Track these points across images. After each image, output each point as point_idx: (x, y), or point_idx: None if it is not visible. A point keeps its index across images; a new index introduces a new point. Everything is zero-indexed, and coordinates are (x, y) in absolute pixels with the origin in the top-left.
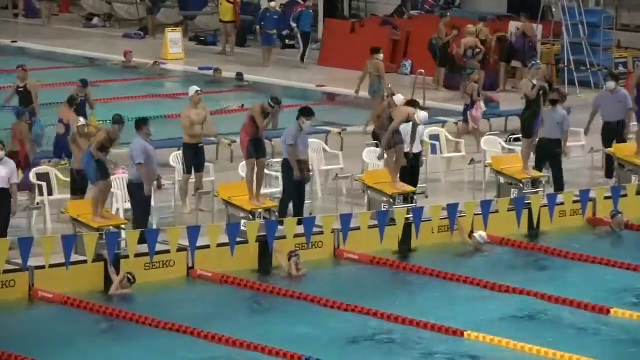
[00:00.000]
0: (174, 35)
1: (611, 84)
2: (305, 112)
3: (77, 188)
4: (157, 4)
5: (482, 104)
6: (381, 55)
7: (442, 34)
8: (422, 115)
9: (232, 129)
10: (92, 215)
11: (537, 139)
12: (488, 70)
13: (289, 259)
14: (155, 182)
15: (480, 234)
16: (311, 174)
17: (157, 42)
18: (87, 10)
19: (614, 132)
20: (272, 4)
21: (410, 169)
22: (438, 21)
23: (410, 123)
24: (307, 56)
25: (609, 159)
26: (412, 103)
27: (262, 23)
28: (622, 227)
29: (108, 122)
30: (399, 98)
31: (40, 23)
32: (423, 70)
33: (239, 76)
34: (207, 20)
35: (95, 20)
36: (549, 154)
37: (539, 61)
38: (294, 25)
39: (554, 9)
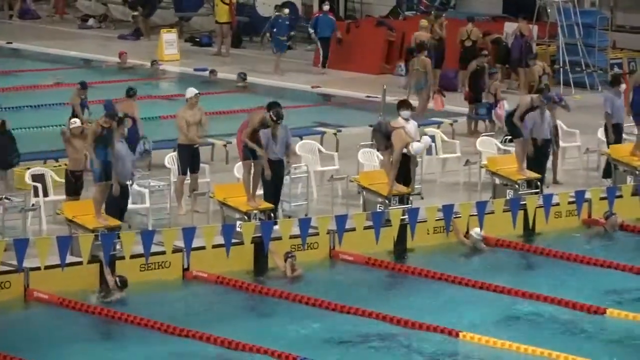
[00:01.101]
0: (169, 36)
1: (624, 86)
2: (271, 105)
3: (72, 189)
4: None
5: (505, 103)
6: (426, 52)
7: (435, 34)
8: (416, 146)
9: (228, 130)
10: (95, 215)
11: (531, 140)
12: None
13: (285, 260)
14: (116, 185)
15: (475, 231)
16: (292, 167)
17: (152, 44)
18: (83, 12)
19: (620, 134)
20: (286, 10)
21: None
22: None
23: (414, 123)
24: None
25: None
26: (404, 103)
27: (274, 29)
28: (615, 228)
29: None
30: (405, 116)
31: (37, 23)
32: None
33: (243, 75)
34: (202, 21)
35: (91, 22)
36: (540, 155)
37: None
38: (311, 31)
39: (549, 10)
